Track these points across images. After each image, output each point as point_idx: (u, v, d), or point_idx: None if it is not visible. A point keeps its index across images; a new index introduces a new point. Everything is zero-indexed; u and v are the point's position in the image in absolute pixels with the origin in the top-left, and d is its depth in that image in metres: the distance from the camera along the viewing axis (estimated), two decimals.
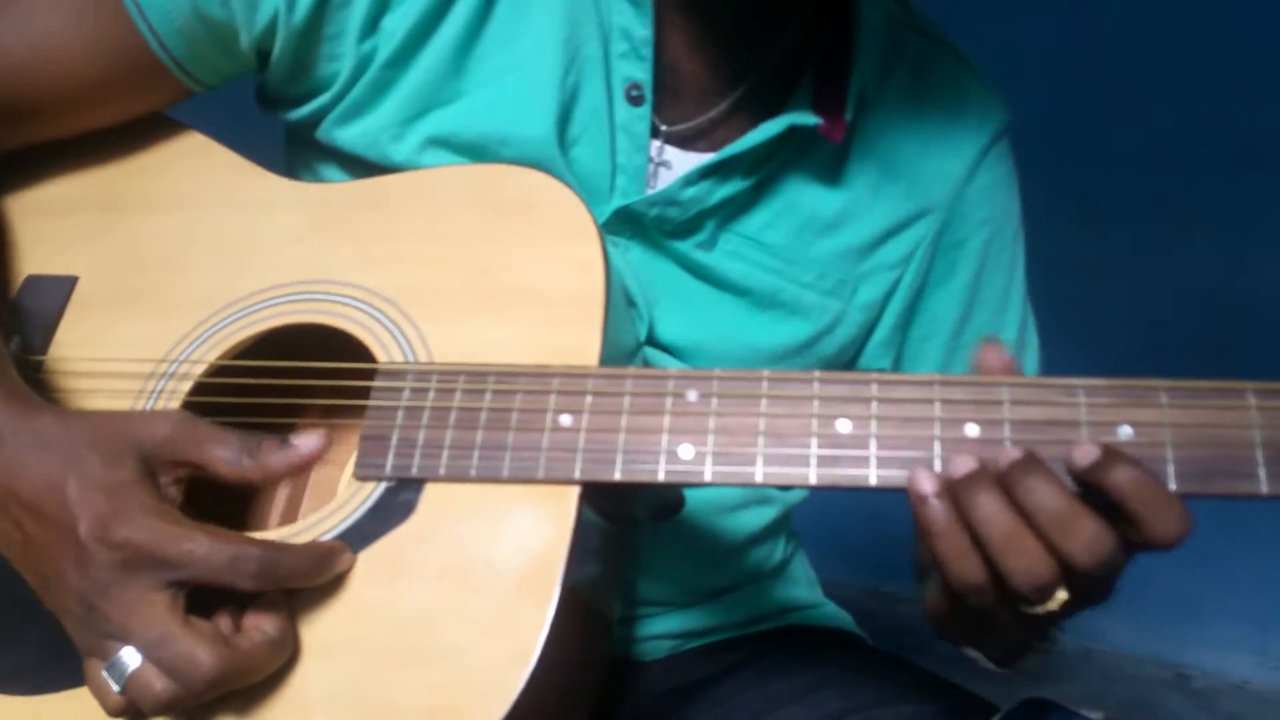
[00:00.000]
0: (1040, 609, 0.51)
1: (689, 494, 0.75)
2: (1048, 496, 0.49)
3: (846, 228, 0.77)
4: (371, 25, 0.68)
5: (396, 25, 0.68)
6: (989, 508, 0.50)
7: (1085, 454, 0.50)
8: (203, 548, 0.53)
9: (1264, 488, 0.52)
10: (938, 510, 0.51)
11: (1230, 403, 0.53)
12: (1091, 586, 0.51)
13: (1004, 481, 0.51)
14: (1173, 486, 0.52)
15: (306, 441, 0.59)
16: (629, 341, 0.72)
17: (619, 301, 0.68)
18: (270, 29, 0.68)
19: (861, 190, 0.77)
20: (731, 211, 0.75)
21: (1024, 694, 0.69)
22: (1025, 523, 0.49)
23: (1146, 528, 0.49)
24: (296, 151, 0.78)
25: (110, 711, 0.56)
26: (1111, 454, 0.50)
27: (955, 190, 0.78)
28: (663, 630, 0.80)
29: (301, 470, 0.59)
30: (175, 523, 0.54)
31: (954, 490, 0.51)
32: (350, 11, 0.68)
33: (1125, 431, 0.54)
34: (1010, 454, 0.52)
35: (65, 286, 0.70)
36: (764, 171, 0.74)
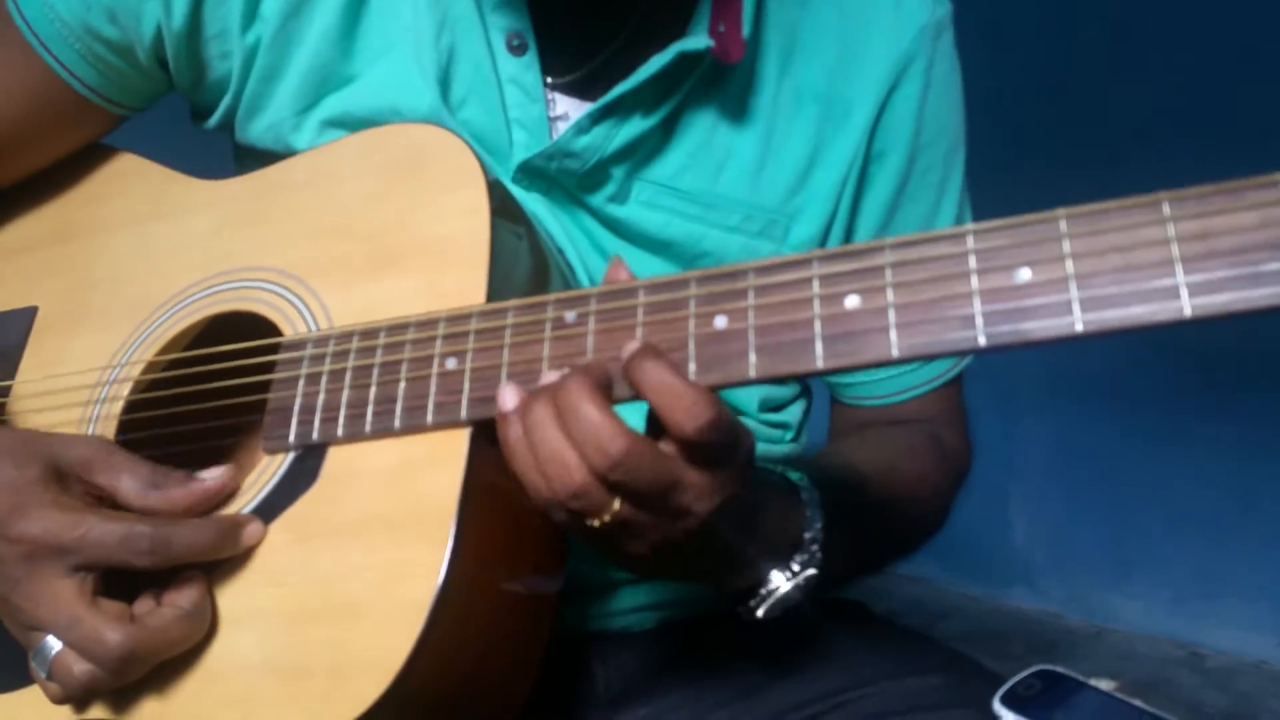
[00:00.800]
0: (595, 521, 0.50)
1: None
2: (573, 400, 0.49)
3: (769, 162, 0.72)
4: (251, 15, 0.69)
5: (272, 7, 0.68)
6: (537, 415, 0.50)
7: (625, 352, 0.50)
8: (95, 531, 0.55)
9: (1187, 310, 0.44)
10: (512, 427, 0.51)
11: (1141, 219, 0.45)
12: (643, 497, 0.49)
13: (551, 393, 0.50)
14: (1079, 329, 0.45)
15: (212, 475, 0.59)
16: (561, 289, 0.69)
17: (538, 245, 0.66)
18: (157, 38, 0.70)
19: (779, 117, 0.71)
20: (641, 158, 0.71)
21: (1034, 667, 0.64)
22: (565, 433, 0.49)
23: (665, 421, 0.48)
24: (239, 160, 0.80)
25: (50, 698, 0.57)
26: (643, 350, 0.49)
27: (878, 101, 0.72)
28: (650, 600, 0.75)
29: (208, 503, 0.59)
30: (69, 511, 0.56)
31: (522, 407, 0.51)
32: (228, 8, 0.69)
33: (1023, 274, 0.47)
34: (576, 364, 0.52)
35: (27, 318, 0.74)
36: (667, 109, 0.69)
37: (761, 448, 0.77)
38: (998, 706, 0.61)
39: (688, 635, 0.75)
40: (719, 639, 0.73)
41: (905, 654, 0.71)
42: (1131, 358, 1.72)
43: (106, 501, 0.59)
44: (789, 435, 0.80)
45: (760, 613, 0.58)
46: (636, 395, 0.50)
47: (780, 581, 0.58)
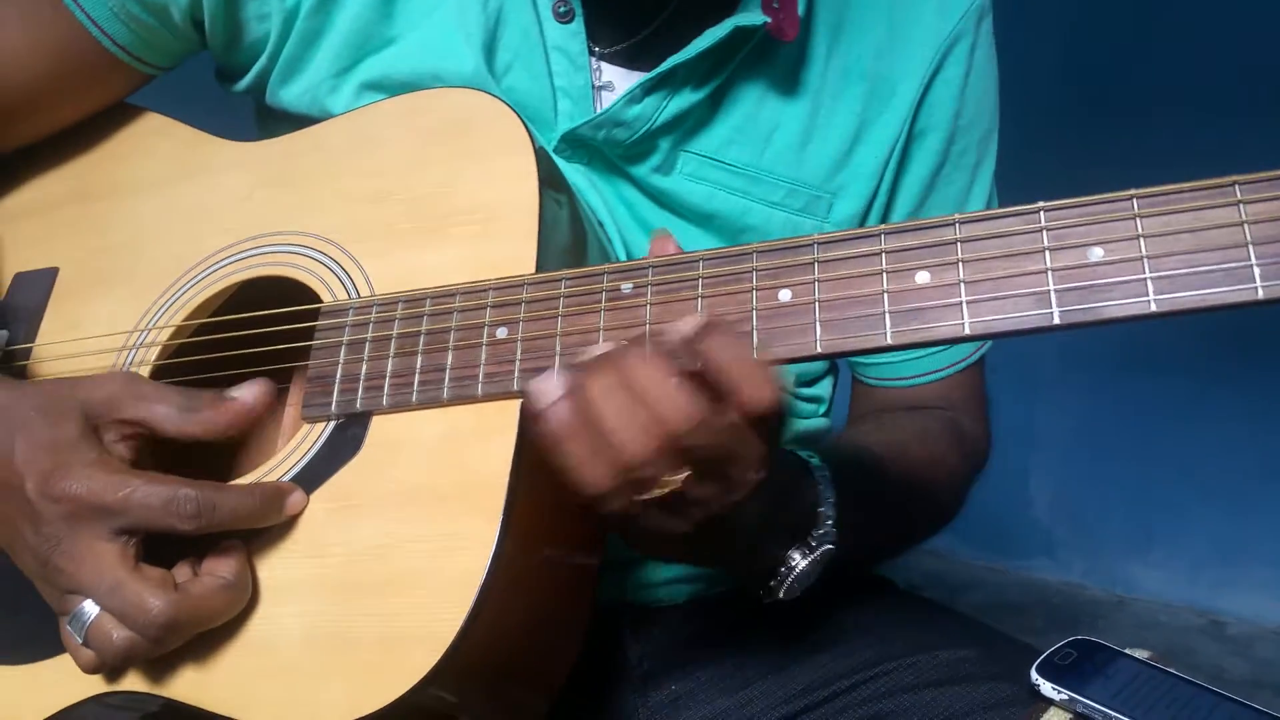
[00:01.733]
0: (657, 492, 0.49)
1: None
2: (644, 368, 0.47)
3: (815, 138, 0.72)
4: None
5: None
6: (602, 384, 0.48)
7: (687, 324, 0.48)
8: (139, 492, 0.53)
9: (1260, 293, 0.45)
10: (562, 412, 0.48)
11: (1212, 200, 0.46)
12: (713, 463, 0.49)
13: (618, 362, 0.48)
14: (1153, 308, 0.46)
15: (246, 392, 0.58)
16: (600, 261, 0.68)
17: (576, 215, 0.65)
18: None
19: (825, 94, 0.72)
20: (688, 130, 0.70)
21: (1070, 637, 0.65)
22: (636, 399, 0.47)
23: (736, 396, 0.47)
24: (263, 124, 0.78)
25: (82, 666, 0.56)
26: (711, 323, 0.48)
27: (923, 80, 0.72)
28: (682, 573, 0.75)
29: (245, 421, 0.58)
30: (113, 471, 0.54)
31: (574, 384, 0.48)
32: None
33: (1096, 253, 0.47)
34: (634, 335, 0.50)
35: (48, 279, 0.72)
36: (717, 81, 0.69)
37: (797, 423, 0.77)
38: (1035, 676, 0.62)
39: (719, 610, 0.75)
40: (751, 614, 0.73)
41: (936, 627, 0.71)
42: (1149, 329, 1.72)
43: (143, 437, 0.58)
44: (822, 409, 0.80)
45: (782, 592, 0.59)
46: (703, 369, 0.50)
47: (799, 559, 0.59)
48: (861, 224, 0.74)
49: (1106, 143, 1.75)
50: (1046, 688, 0.62)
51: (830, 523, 0.60)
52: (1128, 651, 0.63)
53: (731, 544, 0.57)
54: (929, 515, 0.77)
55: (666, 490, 0.49)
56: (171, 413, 0.57)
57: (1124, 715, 0.59)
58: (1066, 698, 0.61)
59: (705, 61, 0.68)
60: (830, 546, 0.60)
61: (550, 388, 0.49)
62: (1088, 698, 0.61)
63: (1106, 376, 1.88)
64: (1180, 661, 0.61)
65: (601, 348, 0.52)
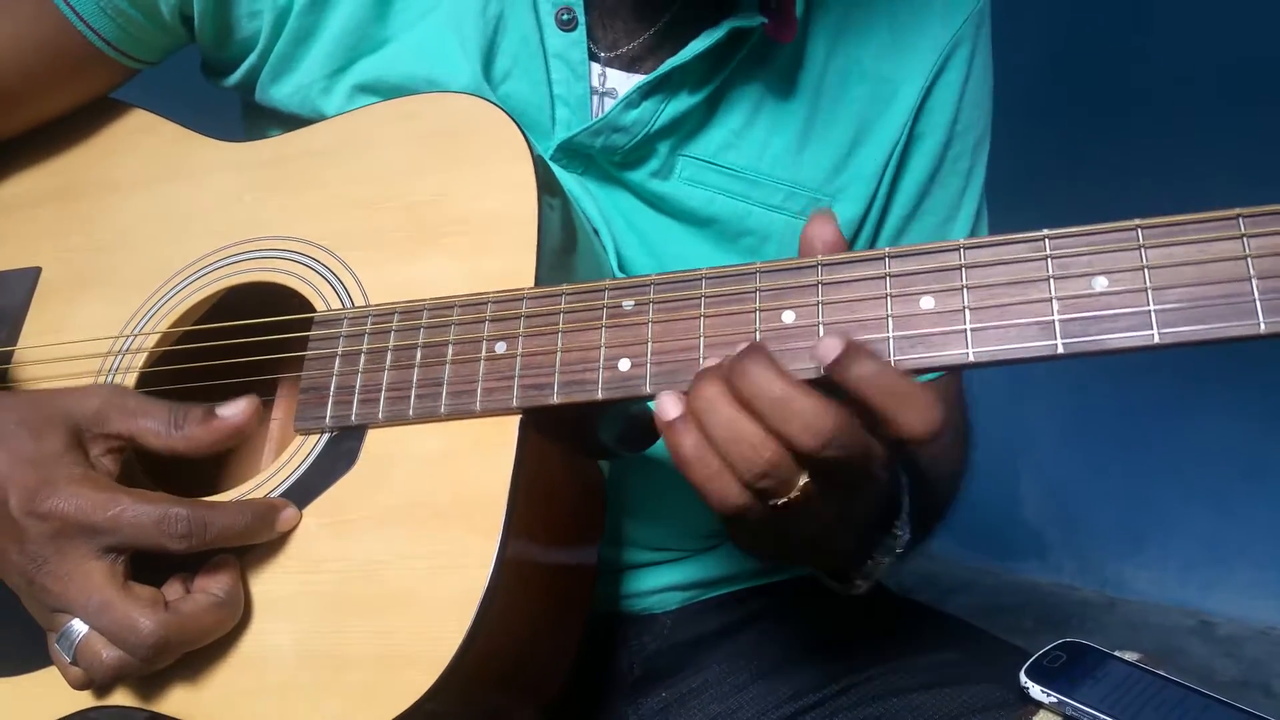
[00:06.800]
0: (782, 498, 0.48)
1: None
2: (762, 380, 0.46)
3: (813, 140, 0.71)
4: None
5: None
6: (707, 397, 0.47)
7: (826, 350, 0.47)
8: (129, 511, 0.53)
9: (1262, 326, 0.45)
10: (685, 435, 0.48)
11: (1216, 233, 0.46)
12: (840, 472, 0.47)
13: (727, 375, 0.48)
14: (1157, 340, 0.46)
15: (233, 410, 0.57)
16: (597, 273, 0.68)
17: (572, 224, 0.64)
18: None
19: (825, 97, 0.71)
20: (686, 133, 0.70)
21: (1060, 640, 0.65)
22: (746, 411, 0.47)
23: (892, 423, 0.46)
24: (250, 120, 0.77)
25: (71, 683, 0.56)
26: (852, 348, 0.47)
27: (924, 83, 0.72)
28: (672, 581, 0.75)
29: (232, 439, 0.57)
30: (101, 489, 0.53)
31: (690, 398, 0.48)
32: None
33: (1100, 283, 0.47)
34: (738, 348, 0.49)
35: (30, 278, 0.70)
36: (714, 84, 0.69)
37: None
38: (1024, 679, 0.62)
39: (708, 617, 0.75)
40: (739, 621, 0.74)
41: (925, 630, 0.72)
42: None
43: (128, 450, 0.57)
44: None
45: (866, 585, 0.59)
46: (848, 393, 0.48)
47: (886, 550, 0.58)
48: (860, 226, 0.74)
49: (1098, 145, 1.75)
50: (1036, 690, 0.63)
51: (906, 509, 0.59)
52: (1117, 653, 0.64)
53: (834, 543, 0.55)
54: (955, 482, 0.78)
55: (788, 496, 0.48)
56: (158, 428, 0.56)
57: (1113, 718, 0.60)
58: (1056, 700, 0.62)
59: (703, 64, 0.67)
60: (906, 534, 0.59)
61: (668, 409, 0.49)
62: (1077, 700, 0.61)
63: (1096, 378, 1.88)
64: (1170, 662, 0.62)
65: (712, 360, 0.50)
